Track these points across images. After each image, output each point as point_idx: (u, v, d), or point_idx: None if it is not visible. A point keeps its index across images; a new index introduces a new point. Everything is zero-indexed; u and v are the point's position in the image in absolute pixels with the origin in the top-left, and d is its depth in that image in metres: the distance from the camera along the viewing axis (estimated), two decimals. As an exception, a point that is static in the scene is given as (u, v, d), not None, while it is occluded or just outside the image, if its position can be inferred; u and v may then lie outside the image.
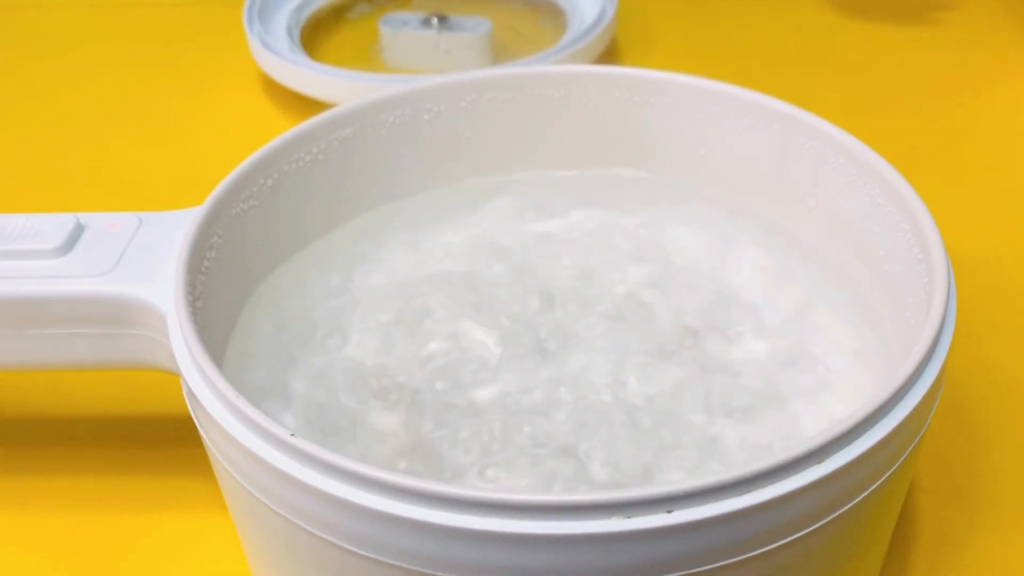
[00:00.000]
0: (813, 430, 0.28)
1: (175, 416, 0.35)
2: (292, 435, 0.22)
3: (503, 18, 0.57)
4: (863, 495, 0.23)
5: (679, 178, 0.36)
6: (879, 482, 0.23)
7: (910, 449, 0.24)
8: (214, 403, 0.24)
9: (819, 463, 0.22)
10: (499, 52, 0.54)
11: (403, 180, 0.36)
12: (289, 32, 0.55)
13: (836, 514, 0.22)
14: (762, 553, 0.22)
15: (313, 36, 0.57)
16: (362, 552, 0.22)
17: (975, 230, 0.43)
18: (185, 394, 0.26)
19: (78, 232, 0.29)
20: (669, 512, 0.21)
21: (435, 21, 0.53)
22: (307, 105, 0.50)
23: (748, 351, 0.30)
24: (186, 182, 0.46)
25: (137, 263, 0.28)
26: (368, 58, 0.55)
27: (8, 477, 0.34)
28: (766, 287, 0.32)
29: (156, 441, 0.35)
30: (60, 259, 0.29)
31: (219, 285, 0.30)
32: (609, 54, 0.55)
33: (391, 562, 0.22)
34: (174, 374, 0.27)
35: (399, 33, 0.53)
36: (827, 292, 0.32)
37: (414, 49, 0.53)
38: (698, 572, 0.21)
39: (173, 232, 0.29)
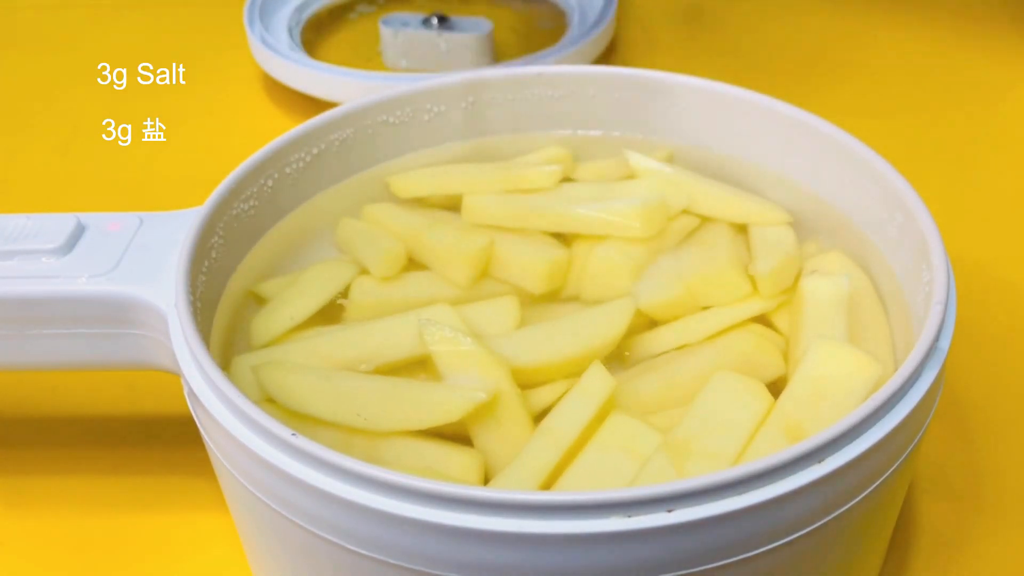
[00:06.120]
0: (812, 430, 0.28)
1: (175, 416, 0.35)
2: (293, 435, 0.22)
3: (503, 18, 0.57)
4: (863, 495, 0.23)
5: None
6: (879, 482, 0.23)
7: (910, 449, 0.24)
8: (215, 403, 0.24)
9: (818, 463, 0.22)
10: (499, 52, 0.54)
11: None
12: (290, 32, 0.55)
13: (836, 514, 0.22)
14: (762, 553, 0.22)
15: (313, 36, 0.57)
16: (362, 551, 0.22)
17: (975, 230, 0.43)
18: (186, 394, 0.26)
19: (79, 232, 0.29)
20: (669, 511, 0.21)
21: (435, 21, 0.53)
22: (307, 105, 0.50)
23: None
24: (186, 182, 0.46)
25: (138, 263, 0.28)
26: (368, 58, 0.55)
27: (8, 477, 0.34)
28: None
29: (156, 441, 0.35)
30: (61, 259, 0.29)
31: (219, 285, 0.30)
32: (609, 54, 0.55)
33: (391, 561, 0.22)
34: (174, 374, 0.27)
35: (399, 33, 0.53)
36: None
37: (414, 49, 0.53)
38: (698, 572, 0.21)
39: (174, 232, 0.29)
